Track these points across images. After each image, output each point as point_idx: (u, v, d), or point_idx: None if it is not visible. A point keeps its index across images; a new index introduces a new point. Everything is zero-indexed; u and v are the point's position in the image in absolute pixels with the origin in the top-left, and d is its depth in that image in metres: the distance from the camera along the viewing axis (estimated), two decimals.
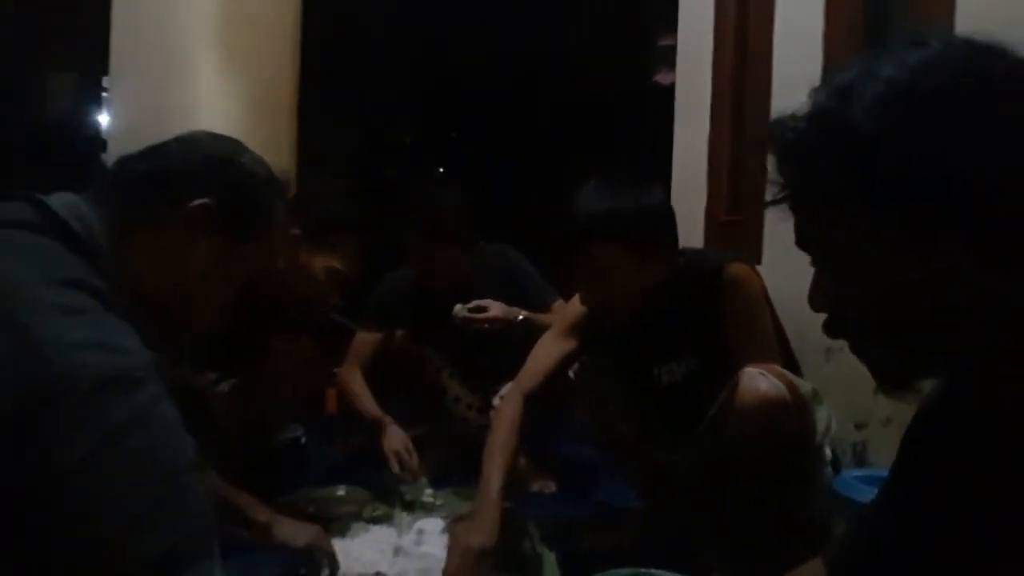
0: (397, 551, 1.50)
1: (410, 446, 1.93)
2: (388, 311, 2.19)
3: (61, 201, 0.78)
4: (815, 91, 0.61)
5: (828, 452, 1.41)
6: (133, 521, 0.64)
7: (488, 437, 1.50)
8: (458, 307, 2.03)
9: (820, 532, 1.32)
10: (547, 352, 1.60)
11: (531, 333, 1.78)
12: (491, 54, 4.89)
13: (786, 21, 2.17)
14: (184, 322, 0.83)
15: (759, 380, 1.27)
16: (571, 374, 1.63)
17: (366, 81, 4.88)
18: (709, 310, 1.44)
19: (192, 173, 0.88)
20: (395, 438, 1.94)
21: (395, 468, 1.88)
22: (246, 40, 3.04)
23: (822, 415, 1.32)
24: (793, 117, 0.61)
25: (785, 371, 1.30)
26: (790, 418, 1.26)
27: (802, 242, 0.63)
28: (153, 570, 0.64)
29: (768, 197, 0.64)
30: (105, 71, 3.19)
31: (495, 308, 2.02)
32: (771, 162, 0.63)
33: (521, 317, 2.03)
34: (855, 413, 1.69)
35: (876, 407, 1.64)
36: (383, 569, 1.43)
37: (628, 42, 4.08)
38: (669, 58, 3.09)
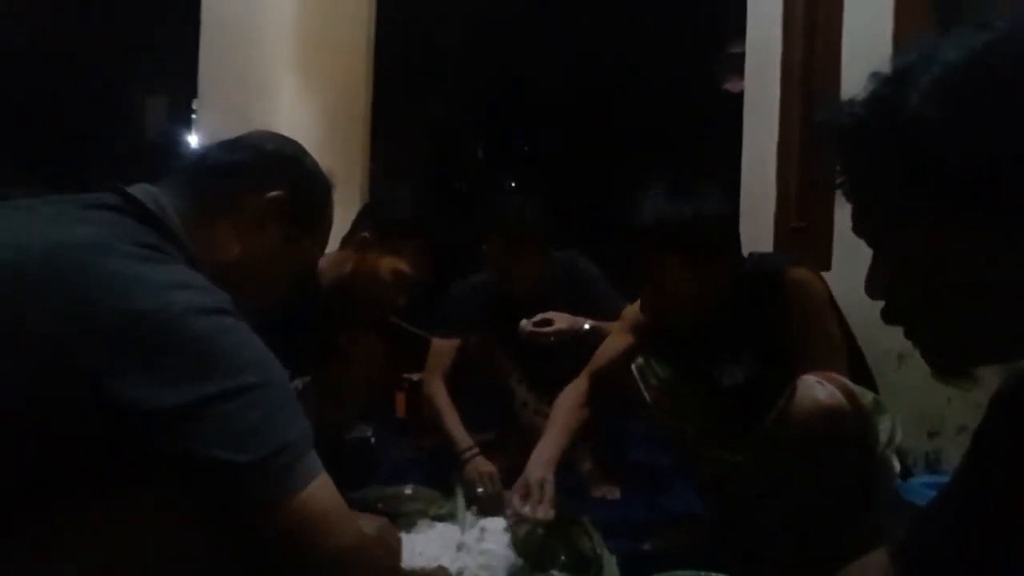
0: (460, 547, 1.53)
1: (495, 473, 1.93)
2: (463, 316, 2.22)
3: (139, 189, 0.88)
4: (874, 76, 0.60)
5: (896, 463, 1.37)
6: (263, 421, 0.73)
7: (550, 417, 1.62)
8: (524, 322, 2.06)
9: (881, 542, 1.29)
10: (613, 346, 1.65)
11: (599, 342, 1.80)
12: (561, 67, 4.94)
13: (855, 25, 2.13)
14: (249, 300, 0.89)
15: (816, 388, 1.25)
16: (633, 368, 1.64)
17: (438, 96, 5.01)
18: (771, 313, 1.43)
19: (268, 167, 0.98)
20: (484, 465, 1.95)
21: (486, 487, 1.88)
22: (322, 60, 3.19)
23: (885, 425, 1.28)
24: (851, 102, 0.61)
25: (844, 379, 1.27)
26: (848, 426, 1.23)
27: (859, 228, 0.63)
28: (281, 461, 0.73)
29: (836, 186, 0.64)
30: (194, 94, 3.42)
31: (560, 320, 2.04)
32: (830, 147, 0.63)
33: (587, 327, 2.04)
34: (928, 421, 1.64)
35: (950, 415, 1.58)
36: (445, 563, 1.47)
37: (697, 51, 4.06)
38: (738, 66, 3.06)
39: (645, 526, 1.80)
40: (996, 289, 0.56)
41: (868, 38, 1.99)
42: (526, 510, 1.49)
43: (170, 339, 0.72)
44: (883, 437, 1.27)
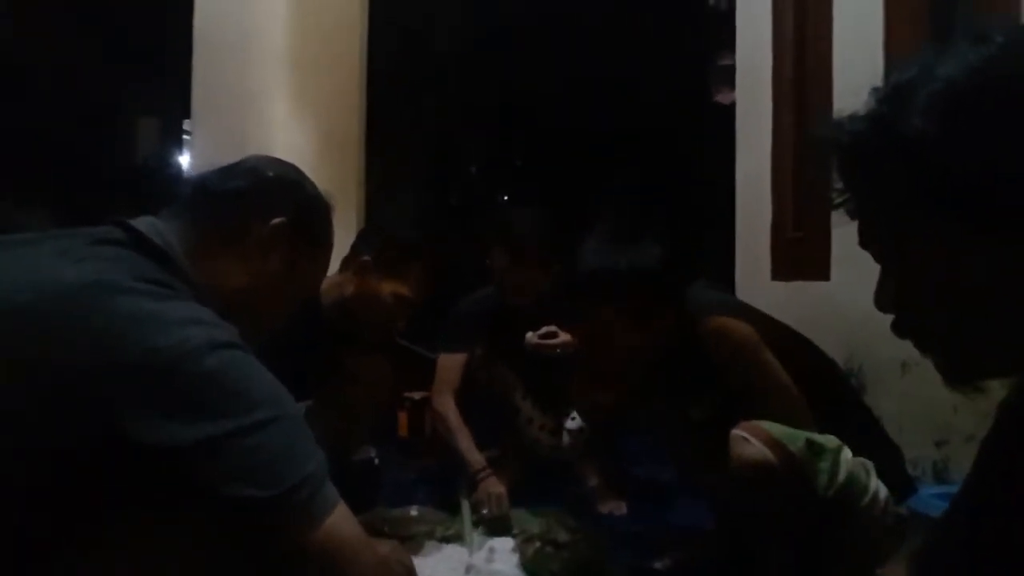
0: (468, 569, 1.52)
1: (504, 497, 1.88)
2: (469, 331, 2.21)
3: (143, 222, 0.88)
4: (874, 91, 0.60)
5: (871, 488, 1.34)
6: (281, 455, 0.74)
7: None
8: (530, 334, 2.06)
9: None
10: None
11: None
12: (554, 80, 4.97)
13: (845, 34, 2.15)
14: (256, 328, 0.89)
15: (742, 445, 1.25)
16: None
17: (431, 112, 5.03)
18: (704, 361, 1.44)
19: (269, 194, 0.98)
20: (496, 485, 1.91)
21: (492, 509, 1.83)
22: (315, 81, 3.20)
23: (823, 466, 1.25)
24: (851, 118, 0.61)
25: (773, 428, 1.27)
26: (776, 477, 1.23)
27: (865, 243, 0.63)
28: (302, 494, 0.73)
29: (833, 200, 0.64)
30: (187, 115, 3.41)
31: (566, 333, 2.05)
32: (828, 164, 0.63)
33: None
34: (935, 430, 1.64)
35: (956, 424, 1.58)
36: None
37: (689, 63, 4.09)
38: (729, 77, 3.09)
39: (653, 542, 1.79)
40: (1005, 301, 0.56)
41: (858, 49, 2.00)
42: None
43: (186, 376, 0.72)
44: (823, 478, 1.25)
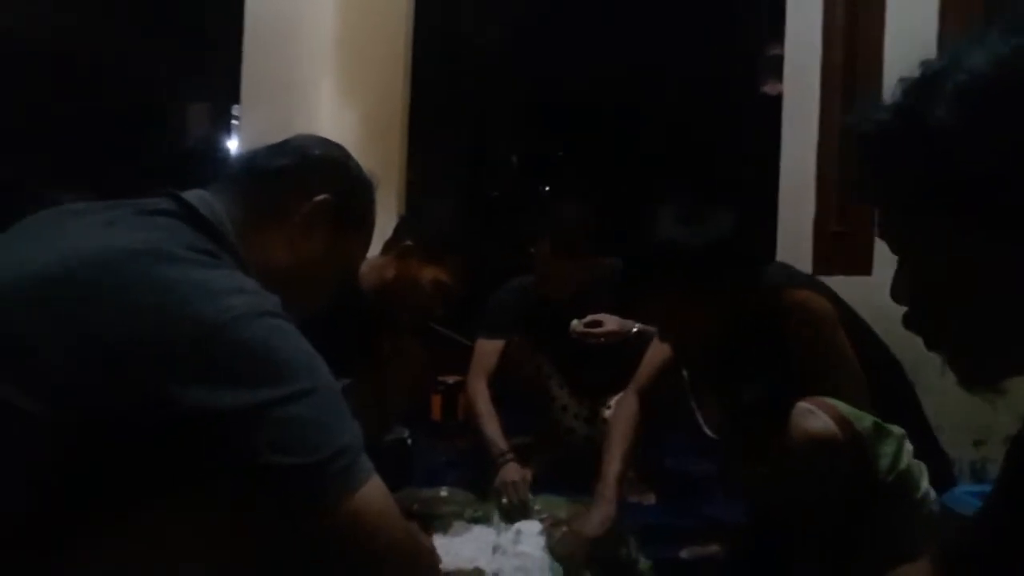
0: (496, 549, 1.54)
1: (527, 481, 1.90)
2: (507, 319, 2.22)
3: (193, 195, 0.90)
4: (901, 81, 0.59)
5: (923, 481, 1.32)
6: (319, 424, 0.74)
7: (607, 432, 1.59)
8: (575, 322, 2.06)
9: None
10: (658, 351, 1.63)
11: (644, 347, 1.79)
12: (597, 72, 4.94)
13: (898, 25, 2.09)
14: (296, 304, 0.89)
15: (807, 417, 1.23)
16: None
17: (474, 102, 5.04)
18: (776, 334, 1.40)
19: (315, 171, 0.99)
20: (515, 472, 1.92)
21: (510, 497, 1.85)
22: (361, 68, 3.24)
23: (887, 450, 1.24)
24: (876, 107, 0.60)
25: (839, 405, 1.24)
26: (841, 455, 1.21)
27: (882, 233, 0.63)
28: (338, 464, 0.74)
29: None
30: (236, 100, 3.49)
31: (611, 323, 2.04)
32: (854, 153, 0.62)
33: (636, 329, 2.04)
34: (973, 430, 1.60)
35: (996, 424, 1.54)
36: (482, 565, 1.48)
37: (735, 53, 4.02)
38: (776, 68, 3.03)
39: (681, 533, 1.79)
40: (1020, 299, 0.55)
41: (912, 39, 1.95)
42: None
43: (229, 344, 0.73)
44: (885, 462, 1.23)
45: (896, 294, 0.64)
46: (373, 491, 0.77)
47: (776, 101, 3.03)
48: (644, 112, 5.10)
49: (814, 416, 1.22)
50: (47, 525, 0.72)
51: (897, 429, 1.24)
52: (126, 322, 0.73)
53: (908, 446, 1.23)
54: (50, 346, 0.72)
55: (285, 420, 0.73)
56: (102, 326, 0.73)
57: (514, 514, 1.76)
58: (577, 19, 4.59)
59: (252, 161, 1.00)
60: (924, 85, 0.57)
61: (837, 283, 2.41)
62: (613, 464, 1.54)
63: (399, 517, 0.81)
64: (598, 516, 1.50)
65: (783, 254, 2.84)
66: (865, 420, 1.24)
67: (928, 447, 1.40)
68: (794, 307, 1.37)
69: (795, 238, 2.69)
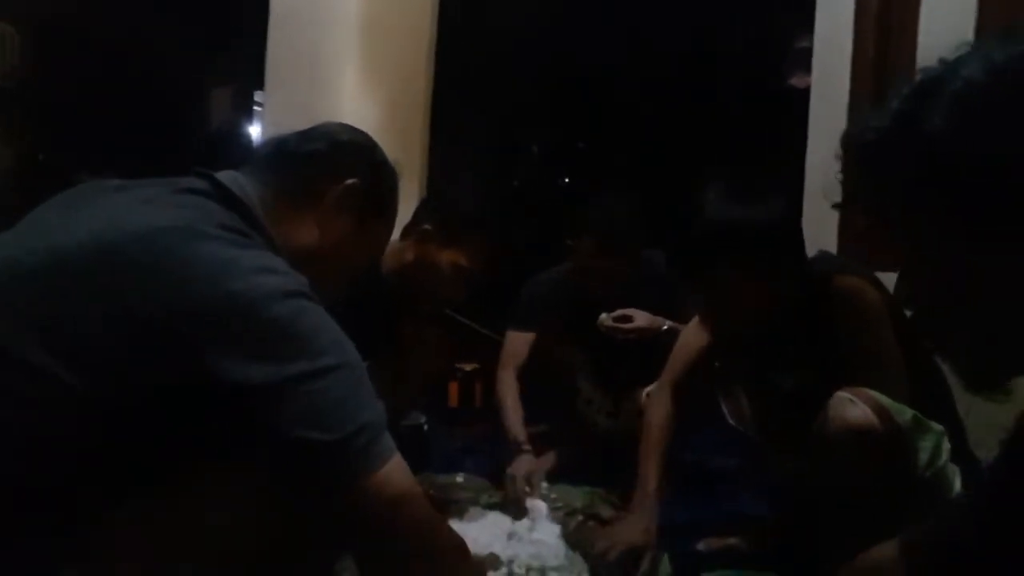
0: (511, 536, 1.55)
1: (535, 477, 1.90)
2: (539, 310, 2.20)
3: (225, 175, 0.92)
4: (899, 88, 0.60)
5: (956, 479, 1.30)
6: (343, 401, 0.75)
7: (642, 435, 1.58)
8: (603, 316, 2.04)
9: None
10: (687, 344, 1.62)
11: (674, 343, 1.78)
12: (622, 62, 4.90)
13: (933, 20, 2.05)
14: (322, 286, 0.91)
15: (846, 407, 1.21)
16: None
17: (497, 89, 5.02)
18: (821, 321, 1.37)
19: (343, 156, 1.02)
20: (522, 466, 1.92)
21: (508, 492, 1.85)
22: (385, 54, 3.23)
23: (926, 444, 1.22)
24: (876, 115, 0.60)
25: (879, 396, 1.21)
26: (879, 447, 1.19)
27: (884, 239, 0.64)
28: (360, 440, 0.75)
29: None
30: (261, 86, 3.50)
31: (640, 318, 2.03)
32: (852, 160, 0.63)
33: (666, 327, 2.01)
34: (1002, 434, 1.56)
35: None
36: (497, 551, 1.48)
37: (762, 45, 3.98)
38: (804, 61, 2.99)
39: (698, 525, 1.78)
40: (1017, 303, 0.56)
41: (948, 33, 1.91)
42: None
43: (257, 320, 0.74)
44: (924, 456, 1.21)
45: (900, 298, 0.65)
46: (395, 469, 0.78)
47: (804, 94, 2.99)
48: (668, 104, 5.06)
49: (853, 405, 1.20)
50: (81, 495, 0.74)
51: (937, 426, 1.23)
52: (159, 297, 0.74)
53: (947, 444, 1.22)
54: (87, 318, 0.74)
55: (310, 395, 0.74)
56: (136, 300, 0.74)
57: (510, 509, 1.76)
58: (603, 7, 4.55)
59: (283, 145, 1.02)
60: (921, 93, 0.58)
61: None
62: (651, 474, 1.53)
63: (421, 497, 0.81)
64: (641, 525, 1.50)
65: (809, 249, 2.81)
66: (905, 413, 1.22)
67: (960, 450, 1.38)
68: (844, 295, 1.34)
69: (820, 233, 2.66)
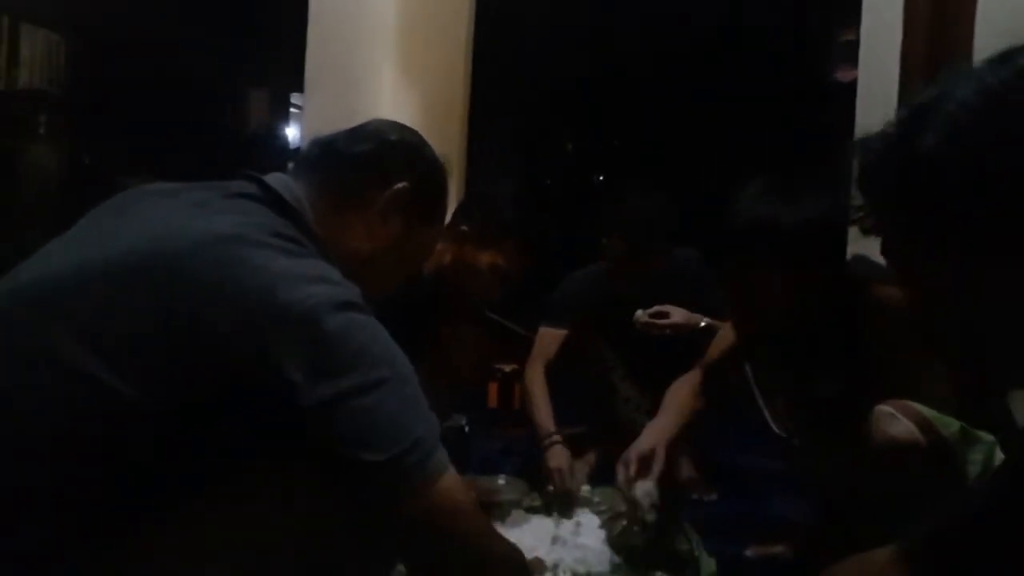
0: (555, 540, 1.53)
1: (572, 466, 1.91)
2: (573, 307, 2.20)
3: (275, 178, 0.90)
4: (900, 110, 0.62)
5: None
6: (395, 416, 0.74)
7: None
8: (639, 312, 2.03)
9: None
10: (726, 341, 1.60)
11: (709, 342, 1.75)
12: (661, 57, 4.84)
13: (991, 12, 1.97)
14: (372, 291, 0.90)
15: (888, 422, 1.16)
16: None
17: (533, 88, 5.01)
18: (858, 330, 1.33)
19: (392, 158, 1.00)
20: (560, 456, 1.92)
21: (555, 485, 1.86)
22: (421, 54, 3.24)
23: (976, 456, 1.16)
24: (875, 136, 0.62)
25: (922, 409, 1.17)
26: (924, 462, 1.14)
27: (886, 252, 0.65)
28: (413, 457, 0.74)
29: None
30: (300, 87, 3.54)
31: (677, 314, 2.01)
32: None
33: (703, 324, 1.99)
34: None
35: None
36: (541, 555, 1.47)
37: (805, 37, 3.89)
38: (850, 54, 2.91)
39: (743, 531, 1.74)
40: (1012, 318, 0.57)
41: (1006, 27, 1.84)
42: (635, 491, 1.43)
43: (310, 332, 0.73)
44: (974, 470, 1.15)
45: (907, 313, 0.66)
46: (449, 484, 0.76)
47: (849, 88, 2.92)
48: (707, 101, 4.98)
49: (896, 420, 1.16)
50: (129, 504, 0.73)
51: (987, 436, 1.17)
52: (211, 306, 0.73)
53: (999, 454, 1.17)
54: (139, 326, 0.74)
55: (362, 410, 0.73)
56: (188, 309, 0.74)
57: (559, 503, 1.74)
58: (640, 4, 4.51)
59: (331, 146, 1.00)
60: (916, 115, 0.59)
61: None
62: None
63: (476, 510, 0.80)
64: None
65: (853, 245, 2.75)
66: (951, 425, 1.17)
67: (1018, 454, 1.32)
68: (881, 305, 1.28)
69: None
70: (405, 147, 1.02)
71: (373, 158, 0.98)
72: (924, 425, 1.15)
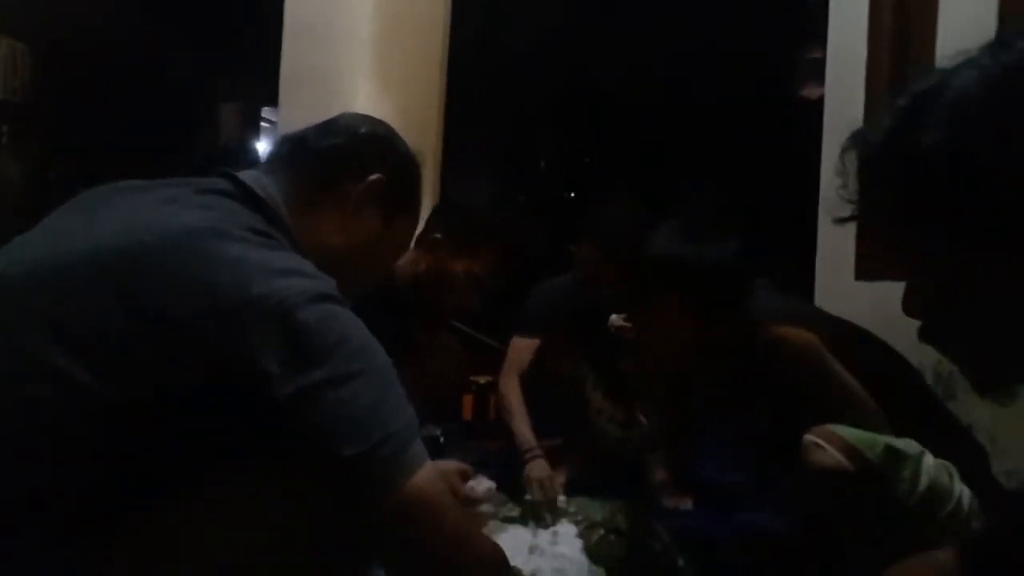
0: (532, 549, 1.52)
1: (553, 478, 1.91)
2: (545, 317, 2.21)
3: (248, 175, 0.90)
4: (896, 100, 0.60)
5: (957, 488, 1.27)
6: (371, 408, 0.73)
7: None
8: (613, 317, 2.05)
9: None
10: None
11: None
12: (633, 75, 4.91)
13: (951, 28, 2.04)
14: (347, 286, 0.89)
15: (816, 453, 1.20)
16: None
17: (507, 105, 5.04)
18: (761, 369, 1.37)
19: (364, 150, 0.99)
20: (541, 468, 1.93)
21: (536, 495, 1.86)
22: (397, 67, 3.24)
23: (905, 474, 1.20)
24: (872, 128, 0.61)
25: (846, 435, 1.20)
26: (852, 488, 1.17)
27: (888, 250, 0.65)
28: (388, 449, 0.73)
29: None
30: (273, 101, 3.52)
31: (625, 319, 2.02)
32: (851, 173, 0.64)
33: None
34: None
35: None
36: (518, 565, 1.46)
37: (773, 56, 3.98)
38: (816, 71, 2.99)
39: (718, 539, 1.75)
40: (1019, 308, 0.56)
41: (967, 43, 1.90)
42: None
43: (284, 325, 0.73)
44: (904, 487, 1.19)
45: (907, 308, 0.65)
46: (426, 477, 0.75)
47: (816, 105, 2.98)
48: (677, 120, 5.06)
49: (821, 450, 1.19)
50: (103, 502, 0.72)
51: (913, 447, 1.20)
52: (184, 300, 0.72)
53: (927, 462, 1.19)
54: (109, 320, 0.72)
55: (338, 402, 0.72)
56: (160, 303, 0.72)
57: (540, 512, 1.74)
58: (618, 20, 4.57)
59: (302, 142, 0.99)
60: (915, 106, 0.58)
61: (880, 289, 2.37)
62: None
63: (453, 505, 0.79)
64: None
65: (823, 260, 2.79)
66: (877, 446, 1.20)
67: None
68: (771, 345, 1.34)
69: (836, 244, 2.64)
70: (377, 139, 1.01)
71: (345, 151, 0.97)
72: (849, 451, 1.18)
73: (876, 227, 0.66)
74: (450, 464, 1.22)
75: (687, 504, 2.05)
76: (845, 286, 2.48)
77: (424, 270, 1.77)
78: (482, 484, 1.41)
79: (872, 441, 1.21)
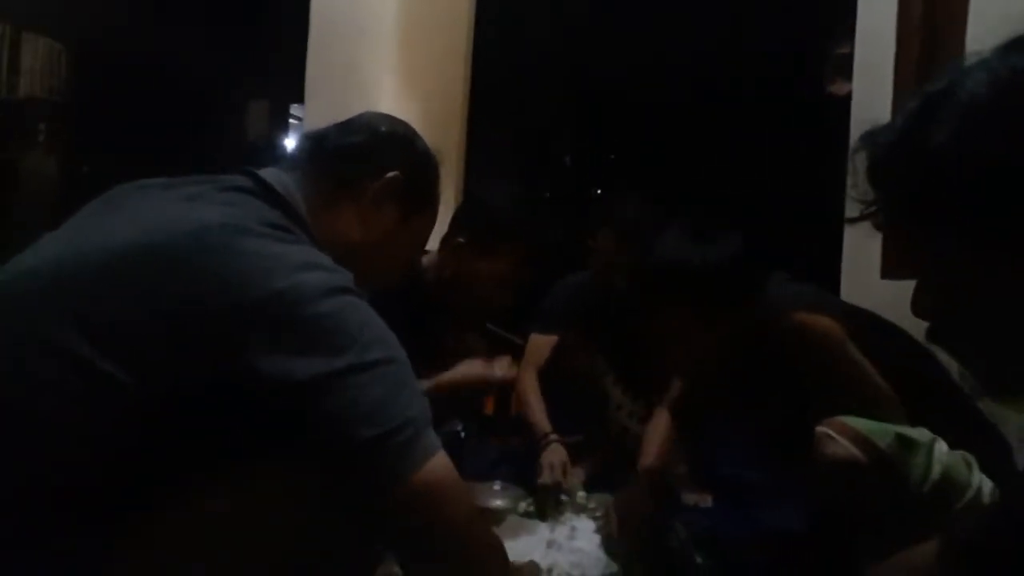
0: (550, 544, 1.53)
1: (568, 464, 1.93)
2: (563, 314, 2.22)
3: (269, 172, 0.93)
4: (908, 101, 0.61)
5: (976, 479, 1.26)
6: (387, 396, 0.76)
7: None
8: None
9: None
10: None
11: None
12: (658, 71, 4.88)
13: (982, 23, 2.00)
14: (367, 281, 0.91)
15: (828, 444, 1.19)
16: None
17: (532, 101, 5.04)
18: (779, 359, 1.37)
19: (383, 148, 1.02)
20: (556, 453, 1.94)
21: (547, 479, 1.87)
22: (421, 64, 3.27)
23: (917, 461, 1.18)
24: (884, 129, 0.62)
25: (858, 426, 1.19)
26: (865, 479, 1.17)
27: (898, 251, 0.66)
28: (403, 436, 0.75)
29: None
30: (300, 98, 3.56)
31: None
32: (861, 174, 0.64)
33: None
34: None
35: None
36: (536, 559, 1.47)
37: (800, 51, 3.93)
38: (844, 67, 2.95)
39: (738, 537, 1.74)
40: None
41: (997, 36, 1.86)
42: None
43: (303, 317, 0.75)
44: (916, 475, 1.17)
45: (917, 309, 0.64)
46: (438, 466, 0.77)
47: (843, 102, 2.94)
48: (704, 114, 5.02)
49: (833, 442, 1.19)
50: (124, 492, 0.74)
51: (925, 435, 1.19)
52: (205, 294, 0.75)
53: (940, 449, 1.18)
54: (134, 315, 0.75)
55: (355, 390, 0.75)
56: (183, 297, 0.75)
57: (547, 497, 1.76)
58: (638, 18, 4.55)
59: (323, 140, 1.02)
60: (926, 108, 0.58)
61: (906, 287, 2.35)
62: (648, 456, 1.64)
63: (464, 492, 0.81)
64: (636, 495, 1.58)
65: (849, 258, 2.76)
66: (888, 435, 1.19)
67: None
68: (790, 333, 1.34)
69: (861, 242, 2.61)
70: (396, 138, 1.04)
71: (364, 149, 1.00)
72: (861, 442, 1.18)
73: (887, 227, 0.66)
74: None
75: (707, 501, 2.05)
76: (871, 284, 2.45)
77: (451, 274, 1.79)
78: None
79: (883, 430, 1.21)
